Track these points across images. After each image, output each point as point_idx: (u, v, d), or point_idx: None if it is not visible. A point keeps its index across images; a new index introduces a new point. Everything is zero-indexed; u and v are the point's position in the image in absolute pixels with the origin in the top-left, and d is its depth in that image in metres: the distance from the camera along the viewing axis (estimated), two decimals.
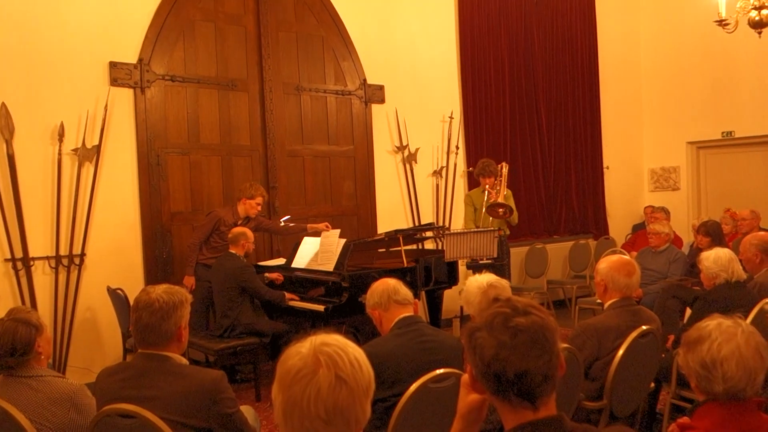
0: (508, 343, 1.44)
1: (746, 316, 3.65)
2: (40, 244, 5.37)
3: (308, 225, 6.11)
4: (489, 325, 1.48)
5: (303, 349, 1.41)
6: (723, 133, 9.18)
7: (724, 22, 6.10)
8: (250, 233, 5.50)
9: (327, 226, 5.99)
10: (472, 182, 7.85)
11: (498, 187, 6.55)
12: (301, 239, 5.98)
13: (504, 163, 6.69)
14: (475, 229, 6.22)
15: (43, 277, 5.41)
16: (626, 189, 9.83)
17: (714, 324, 1.95)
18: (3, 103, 5.14)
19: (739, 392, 1.87)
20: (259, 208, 5.82)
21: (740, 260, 4.37)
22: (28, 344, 2.57)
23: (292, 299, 5.42)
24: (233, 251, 5.37)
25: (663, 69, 9.73)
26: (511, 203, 6.83)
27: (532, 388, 1.45)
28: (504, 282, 3.20)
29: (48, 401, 2.52)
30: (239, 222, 5.76)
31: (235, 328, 5.23)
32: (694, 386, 1.98)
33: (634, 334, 3.14)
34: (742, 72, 8.88)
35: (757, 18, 6.02)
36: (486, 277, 3.18)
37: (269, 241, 6.57)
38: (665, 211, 7.87)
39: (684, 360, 1.98)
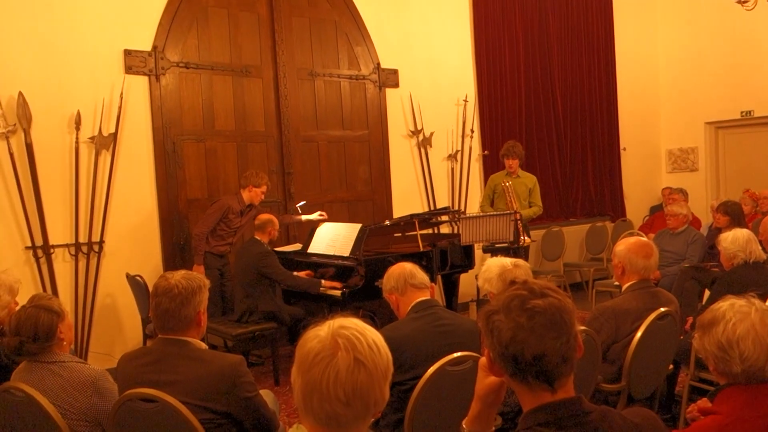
0: (526, 325, 1.44)
1: (766, 297, 3.63)
2: (59, 231, 5.43)
3: (303, 218, 6.12)
4: (506, 308, 1.48)
5: (321, 332, 1.42)
6: (742, 112, 9.06)
7: (743, 0, 6.00)
8: (276, 220, 5.52)
9: (321, 214, 6.04)
10: (488, 166, 7.83)
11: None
12: (318, 225, 6.00)
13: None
14: (492, 213, 6.20)
15: (63, 265, 5.48)
16: (643, 170, 9.74)
17: (727, 305, 1.94)
18: (20, 93, 5.18)
19: (758, 371, 1.86)
20: (263, 196, 5.84)
21: (760, 241, 4.33)
22: (50, 330, 2.61)
23: (333, 287, 5.25)
24: (258, 237, 5.38)
25: (680, 48, 9.59)
26: (536, 194, 6.80)
27: (549, 369, 1.45)
28: (525, 263, 3.21)
29: (71, 386, 2.56)
30: (244, 209, 5.78)
31: (254, 313, 5.27)
32: (712, 369, 1.97)
33: (652, 316, 3.12)
34: (761, 50, 8.73)
35: None
36: (509, 258, 3.20)
37: (285, 227, 6.59)
38: (683, 193, 7.80)
39: (700, 343, 1.97)
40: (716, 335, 1.90)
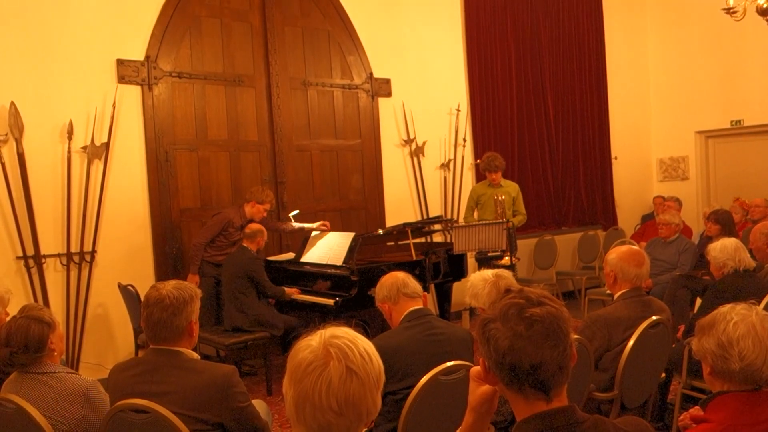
0: (524, 334, 1.44)
1: (759, 304, 3.64)
2: (51, 241, 5.41)
3: (305, 226, 6.13)
4: (503, 316, 1.47)
5: (313, 342, 1.42)
6: (732, 121, 9.12)
7: (732, 10, 6.04)
8: (265, 231, 5.54)
9: (324, 225, 6.02)
10: (480, 174, 7.84)
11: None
12: (310, 233, 5.99)
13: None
14: (484, 222, 6.21)
15: (54, 275, 5.45)
16: (635, 179, 9.79)
17: (728, 308, 1.96)
18: (12, 102, 5.17)
19: (755, 372, 1.86)
20: (266, 213, 5.84)
21: (750, 249, 4.36)
22: (41, 341, 2.59)
23: (292, 293, 5.46)
24: (246, 245, 5.38)
25: (671, 58, 9.66)
26: (520, 202, 6.83)
27: (546, 378, 1.44)
28: (508, 272, 3.20)
29: (61, 397, 2.54)
30: (245, 224, 5.76)
31: (246, 320, 5.25)
32: (708, 372, 1.96)
33: (644, 325, 3.13)
34: (750, 60, 8.81)
35: (765, 5, 5.96)
36: (491, 270, 3.18)
37: (278, 236, 6.59)
38: (678, 201, 7.83)
39: (699, 344, 1.97)
40: (716, 334, 1.91)
